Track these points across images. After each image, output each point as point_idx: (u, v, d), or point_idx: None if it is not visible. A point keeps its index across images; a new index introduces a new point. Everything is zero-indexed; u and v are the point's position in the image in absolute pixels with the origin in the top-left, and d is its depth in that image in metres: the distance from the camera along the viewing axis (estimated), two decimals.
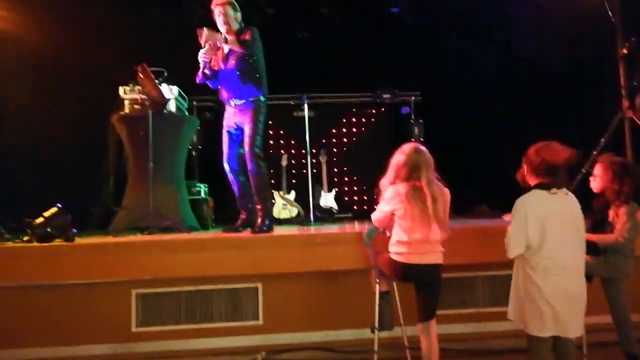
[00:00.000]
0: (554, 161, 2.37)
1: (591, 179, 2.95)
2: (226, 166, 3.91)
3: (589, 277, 2.88)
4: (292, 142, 7.23)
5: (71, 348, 3.27)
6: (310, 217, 5.57)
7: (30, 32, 5.25)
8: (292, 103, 7.00)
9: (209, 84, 3.95)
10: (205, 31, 3.66)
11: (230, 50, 3.80)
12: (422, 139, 6.65)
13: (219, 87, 3.95)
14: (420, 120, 6.85)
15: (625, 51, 4.43)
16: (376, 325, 2.82)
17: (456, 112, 6.60)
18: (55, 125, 5.45)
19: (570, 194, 2.42)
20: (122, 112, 4.43)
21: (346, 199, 7.38)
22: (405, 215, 2.59)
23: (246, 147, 3.74)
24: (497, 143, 6.09)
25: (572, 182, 4.14)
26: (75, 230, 3.46)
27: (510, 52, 5.95)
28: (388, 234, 2.77)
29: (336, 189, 6.71)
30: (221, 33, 3.76)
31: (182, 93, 4.80)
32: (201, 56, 3.78)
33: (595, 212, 2.99)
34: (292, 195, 6.53)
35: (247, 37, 3.74)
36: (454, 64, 6.55)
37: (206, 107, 6.88)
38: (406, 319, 2.99)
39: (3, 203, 4.34)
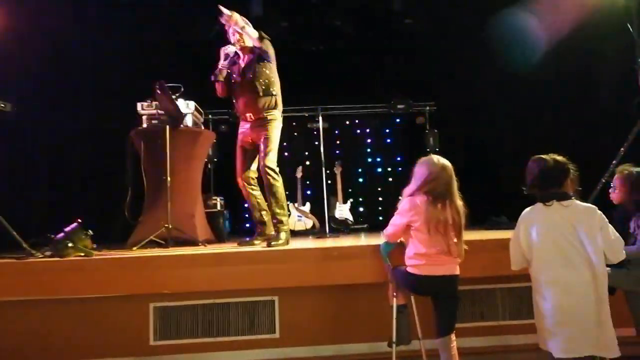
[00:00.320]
0: (544, 173, 2.36)
1: (610, 190, 2.92)
2: (240, 181, 3.95)
3: (611, 290, 2.84)
4: (307, 153, 7.26)
5: None
6: (325, 229, 5.57)
7: (49, 48, 5.39)
8: (306, 115, 7.06)
9: (217, 88, 3.98)
10: (229, 13, 3.68)
11: (247, 65, 3.85)
12: (437, 149, 6.64)
13: (234, 100, 4.01)
14: (435, 131, 6.84)
15: None
16: (394, 339, 2.80)
17: (472, 121, 6.57)
18: (73, 141, 5.58)
19: (575, 204, 2.35)
20: (139, 127, 4.50)
21: (361, 210, 7.37)
22: (422, 227, 2.58)
23: (261, 163, 3.77)
24: (514, 152, 6.03)
25: (591, 192, 4.09)
26: (95, 245, 3.52)
27: (527, 62, 5.90)
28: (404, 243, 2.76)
29: (351, 200, 6.71)
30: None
31: (199, 108, 4.87)
32: (224, 50, 3.81)
33: (615, 224, 2.94)
34: (307, 207, 6.55)
35: (264, 45, 3.83)
36: (469, 73, 6.52)
37: (222, 120, 6.98)
38: (424, 332, 2.96)
39: (24, 218, 4.42)
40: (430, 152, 6.62)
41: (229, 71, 3.92)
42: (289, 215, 6.09)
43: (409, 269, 2.65)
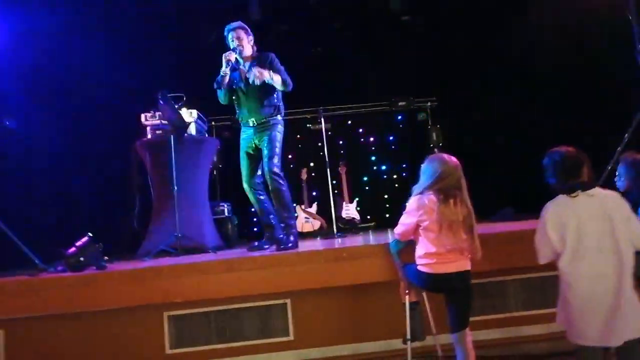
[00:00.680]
0: (564, 164, 2.36)
1: (615, 179, 2.92)
2: (246, 187, 3.97)
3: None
4: (311, 155, 7.27)
5: None
6: (333, 229, 5.59)
7: (51, 63, 5.43)
8: (308, 117, 7.08)
9: (219, 95, 4.00)
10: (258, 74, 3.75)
11: (252, 65, 3.87)
12: (441, 144, 6.64)
13: (237, 107, 4.02)
14: (438, 126, 6.84)
15: None
16: (408, 336, 2.81)
17: (473, 115, 6.56)
18: (78, 155, 5.62)
19: (599, 193, 2.34)
20: (144, 139, 4.54)
21: (368, 208, 7.37)
22: (431, 226, 2.59)
23: (266, 167, 3.79)
24: (518, 144, 6.02)
25: (598, 180, 4.08)
26: (107, 258, 3.55)
27: (525, 53, 5.89)
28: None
29: (357, 199, 6.72)
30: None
31: (202, 116, 4.90)
32: (226, 56, 3.84)
33: None
34: (314, 208, 6.57)
35: (276, 63, 3.88)
36: (469, 67, 6.52)
37: (224, 126, 7.01)
38: (438, 327, 2.97)
39: (34, 234, 4.46)
40: (434, 147, 6.64)
41: (231, 78, 3.93)
42: (296, 217, 6.13)
43: (420, 268, 2.66)
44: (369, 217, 6.98)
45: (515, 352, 3.29)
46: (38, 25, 5.10)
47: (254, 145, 3.96)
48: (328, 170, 5.73)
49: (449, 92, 6.85)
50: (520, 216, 4.84)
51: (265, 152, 3.83)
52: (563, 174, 2.37)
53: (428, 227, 2.61)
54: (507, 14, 6.02)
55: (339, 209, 6.45)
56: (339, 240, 4.98)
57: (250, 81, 3.79)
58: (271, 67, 3.84)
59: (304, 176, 6.70)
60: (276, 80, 3.79)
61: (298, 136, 7.35)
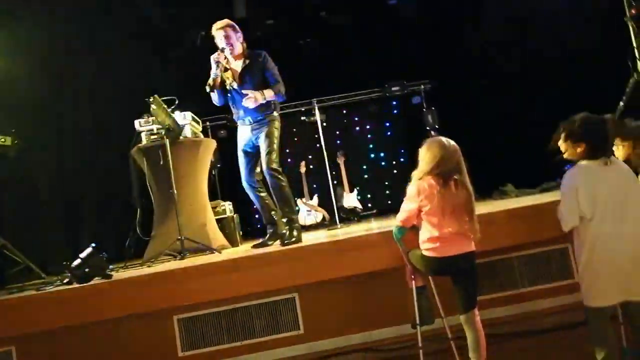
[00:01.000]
0: (598, 129, 2.39)
1: (614, 148, 2.91)
2: (245, 185, 3.97)
3: None
4: (308, 147, 7.27)
5: None
6: (335, 220, 5.60)
7: (43, 75, 5.42)
8: (303, 109, 7.06)
9: (213, 97, 3.98)
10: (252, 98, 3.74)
11: (246, 70, 3.85)
12: (437, 126, 6.63)
13: (232, 106, 4.01)
14: (433, 108, 6.82)
15: (634, 12, 4.35)
16: (417, 321, 2.82)
17: (469, 95, 6.54)
18: (77, 166, 5.62)
19: (616, 160, 2.41)
20: (140, 145, 4.52)
21: (369, 195, 7.38)
22: (433, 211, 2.59)
23: (264, 165, 3.79)
24: (514, 120, 6.01)
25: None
26: (112, 267, 3.56)
27: (518, 27, 5.85)
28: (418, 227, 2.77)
29: (357, 188, 6.72)
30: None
31: (195, 117, 4.88)
32: (215, 58, 3.82)
33: None
34: (314, 200, 6.58)
35: (269, 63, 3.87)
36: (462, 47, 6.49)
37: (219, 126, 7.00)
38: (446, 310, 2.98)
39: (37, 246, 4.48)
40: (430, 129, 6.62)
41: (223, 78, 3.91)
42: (298, 211, 6.14)
43: (425, 252, 2.67)
44: (370, 204, 6.99)
45: (524, 328, 3.30)
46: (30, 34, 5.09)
47: (251, 143, 3.95)
48: (326, 161, 5.73)
49: (441, 74, 6.82)
50: (520, 192, 4.85)
51: (262, 148, 3.83)
52: (599, 140, 2.39)
53: (430, 212, 2.61)
54: None
55: (339, 199, 6.46)
56: (342, 230, 4.99)
57: (245, 105, 3.78)
58: (264, 67, 3.82)
59: (303, 169, 6.70)
60: (269, 96, 3.79)
61: (294, 129, 7.34)
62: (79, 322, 3.22)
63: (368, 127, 7.69)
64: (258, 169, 3.93)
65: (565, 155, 2.51)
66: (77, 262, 3.32)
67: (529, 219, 3.36)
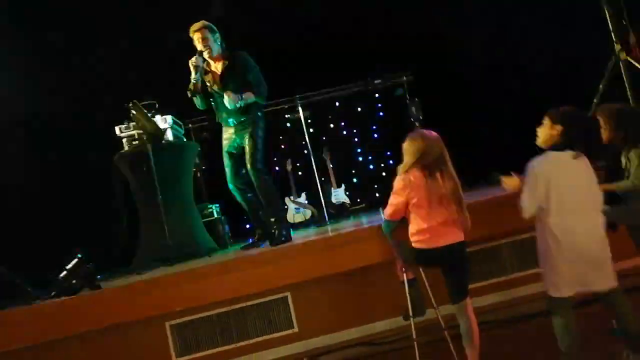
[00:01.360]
0: (577, 118, 2.43)
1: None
2: (232, 187, 3.93)
3: (613, 226, 2.88)
4: (294, 145, 7.23)
5: None
6: (325, 216, 5.58)
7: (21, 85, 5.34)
8: (286, 107, 7.02)
9: (196, 102, 3.94)
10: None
11: (226, 71, 3.80)
12: (421, 117, 6.63)
13: (215, 108, 3.96)
14: (416, 99, 6.82)
15: None
16: (410, 313, 2.83)
17: (452, 85, 6.55)
18: (58, 176, 5.52)
19: (584, 157, 2.42)
20: (121, 151, 4.46)
21: (357, 190, 7.37)
22: (420, 203, 2.60)
23: (248, 165, 3.76)
24: (498, 109, 6.05)
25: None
26: (100, 277, 3.51)
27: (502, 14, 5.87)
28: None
29: (344, 184, 6.71)
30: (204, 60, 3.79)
31: (177, 120, 4.83)
32: (193, 63, 3.77)
33: (607, 162, 2.98)
34: (302, 197, 6.55)
35: (249, 64, 3.81)
36: (442, 37, 6.49)
37: (202, 127, 6.93)
38: (438, 300, 2.99)
39: (24, 262, 4.40)
40: (415, 121, 6.63)
41: (204, 82, 3.86)
42: (286, 209, 6.12)
43: (414, 244, 2.68)
44: (358, 199, 6.99)
45: (514, 314, 3.34)
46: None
47: (235, 144, 3.91)
48: (312, 157, 5.71)
49: (423, 65, 6.82)
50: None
51: (247, 149, 3.80)
52: (574, 129, 2.42)
53: (417, 204, 2.62)
54: None
55: (327, 195, 6.44)
56: (332, 226, 4.99)
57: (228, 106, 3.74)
58: (244, 68, 3.78)
59: (289, 167, 6.65)
60: (249, 97, 3.73)
61: (278, 128, 7.29)
62: (69, 334, 3.18)
63: (352, 121, 7.67)
64: (244, 170, 3.90)
65: (539, 142, 2.52)
66: (63, 274, 3.27)
67: (515, 205, 3.38)
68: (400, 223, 2.86)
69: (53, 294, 3.34)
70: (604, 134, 2.89)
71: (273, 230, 3.84)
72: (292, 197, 6.48)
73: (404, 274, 2.83)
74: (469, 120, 6.28)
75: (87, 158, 5.41)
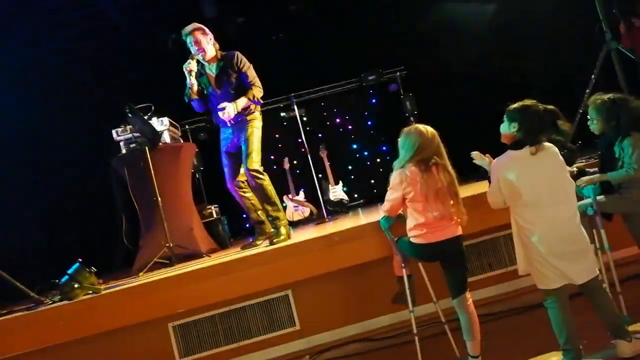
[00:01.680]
0: (532, 115, 2.43)
1: (589, 122, 2.95)
2: (230, 187, 3.95)
3: (608, 216, 2.91)
4: (290, 143, 7.25)
5: None
6: (323, 213, 5.61)
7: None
8: (281, 105, 7.04)
9: (194, 105, 3.96)
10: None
11: (221, 73, 3.81)
12: (415, 112, 6.66)
13: (212, 110, 3.96)
14: (410, 94, 6.85)
15: None
16: (410, 308, 2.84)
17: (445, 80, 6.57)
18: (60, 181, 5.53)
19: (547, 148, 2.44)
20: (119, 154, 4.47)
21: (354, 186, 7.40)
22: (416, 198, 2.61)
23: (245, 165, 3.77)
24: (492, 100, 6.06)
25: (572, 123, 4.14)
26: (101, 280, 3.52)
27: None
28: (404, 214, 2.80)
29: (342, 181, 6.73)
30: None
31: (173, 122, 4.83)
32: (186, 68, 3.78)
33: (601, 152, 3.00)
34: (301, 195, 6.57)
35: (243, 64, 3.80)
36: (433, 32, 6.51)
37: (199, 128, 6.95)
38: (438, 294, 3.01)
39: (23, 267, 4.42)
40: (410, 116, 6.65)
41: (199, 86, 3.87)
42: (285, 207, 6.14)
43: (412, 240, 2.69)
44: (356, 195, 7.01)
45: (515, 305, 3.36)
46: None
47: (233, 144, 3.92)
48: (309, 155, 5.73)
49: (416, 60, 6.84)
50: None
51: (243, 149, 3.81)
52: (528, 126, 2.44)
53: (414, 199, 2.64)
54: None
55: (325, 192, 6.46)
56: (331, 223, 5.01)
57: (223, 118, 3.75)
58: (239, 69, 3.79)
59: (287, 165, 6.69)
60: (242, 104, 3.74)
61: (274, 126, 7.31)
62: (72, 338, 3.19)
63: (347, 117, 7.69)
64: (242, 170, 3.91)
65: (502, 140, 2.57)
66: (64, 278, 3.28)
67: None
68: (399, 218, 2.88)
69: (54, 298, 3.35)
70: (596, 125, 2.92)
71: (272, 230, 3.86)
72: (290, 196, 6.50)
73: (403, 269, 2.85)
74: (465, 113, 6.31)
75: (85, 161, 5.42)
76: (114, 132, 4.49)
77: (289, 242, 3.67)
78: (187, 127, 6.82)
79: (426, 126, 2.72)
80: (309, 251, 3.35)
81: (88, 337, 3.22)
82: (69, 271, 3.29)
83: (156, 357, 3.40)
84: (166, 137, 4.59)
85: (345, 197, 6.55)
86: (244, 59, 3.85)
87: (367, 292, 3.53)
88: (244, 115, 3.83)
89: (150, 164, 4.03)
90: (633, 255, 3.32)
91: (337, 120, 7.68)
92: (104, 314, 3.18)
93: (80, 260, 3.42)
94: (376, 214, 4.01)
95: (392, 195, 2.72)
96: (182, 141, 5.11)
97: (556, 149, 2.48)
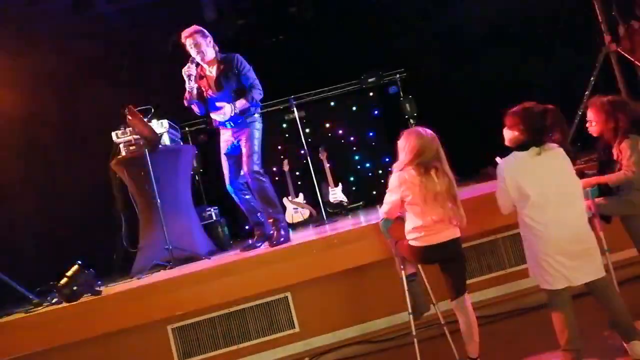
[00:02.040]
0: (534, 117, 2.43)
1: (587, 125, 2.96)
2: (230, 189, 3.95)
3: (607, 218, 2.92)
4: (290, 145, 7.25)
5: None
6: (323, 215, 5.61)
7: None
8: (281, 107, 7.05)
9: (194, 109, 3.96)
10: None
11: (221, 75, 3.82)
12: (415, 114, 6.67)
13: (212, 112, 3.97)
14: (410, 96, 6.86)
15: None
16: (410, 310, 2.85)
17: (445, 82, 6.57)
18: (59, 183, 5.53)
19: (553, 148, 2.45)
20: (119, 157, 4.47)
21: (354, 188, 7.40)
22: (415, 201, 2.61)
23: (245, 168, 3.77)
24: (491, 103, 6.06)
25: (570, 126, 4.15)
26: (100, 282, 3.52)
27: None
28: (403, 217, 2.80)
29: (341, 183, 6.73)
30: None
31: (173, 124, 4.84)
32: (186, 72, 3.79)
33: (600, 154, 3.01)
34: (300, 197, 6.57)
35: (243, 66, 3.81)
36: (434, 34, 6.52)
37: (199, 130, 6.96)
38: (437, 296, 3.02)
39: (22, 267, 4.42)
40: (409, 118, 6.67)
41: (198, 88, 3.87)
42: (285, 209, 6.14)
43: (411, 242, 2.70)
44: (356, 197, 7.01)
45: (514, 307, 3.36)
46: None
47: (233, 146, 3.93)
48: (309, 157, 5.73)
49: (416, 62, 6.85)
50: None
51: (244, 151, 3.81)
52: (531, 128, 2.44)
53: (412, 202, 2.64)
54: None
55: (325, 194, 6.46)
56: (330, 225, 5.01)
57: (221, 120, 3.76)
58: (239, 71, 3.79)
59: (286, 167, 6.69)
60: (241, 106, 3.75)
61: (274, 128, 7.32)
62: (71, 340, 3.19)
63: (347, 120, 7.70)
64: (242, 172, 3.91)
65: (506, 143, 2.57)
66: (64, 280, 3.28)
67: None
68: (398, 220, 2.88)
69: (53, 300, 3.35)
70: (594, 127, 2.93)
71: (272, 231, 3.86)
72: (290, 198, 6.50)
73: (403, 271, 2.85)
74: (465, 116, 6.31)
75: (85, 163, 5.42)
76: (113, 134, 4.49)
77: (288, 244, 3.67)
78: (187, 129, 6.84)
79: (426, 129, 2.72)
80: (309, 253, 3.35)
81: (87, 339, 3.22)
82: (69, 273, 3.29)
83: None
84: (165, 139, 4.60)
85: (345, 199, 6.55)
86: (244, 62, 3.85)
87: (366, 294, 3.53)
88: (244, 117, 3.84)
89: (150, 166, 4.03)
90: (631, 257, 3.31)
91: (337, 122, 7.68)
92: (103, 316, 3.18)
93: (79, 262, 3.42)
94: (375, 216, 4.01)
95: (390, 197, 2.73)
96: (181, 143, 5.12)
97: (562, 150, 2.47)
